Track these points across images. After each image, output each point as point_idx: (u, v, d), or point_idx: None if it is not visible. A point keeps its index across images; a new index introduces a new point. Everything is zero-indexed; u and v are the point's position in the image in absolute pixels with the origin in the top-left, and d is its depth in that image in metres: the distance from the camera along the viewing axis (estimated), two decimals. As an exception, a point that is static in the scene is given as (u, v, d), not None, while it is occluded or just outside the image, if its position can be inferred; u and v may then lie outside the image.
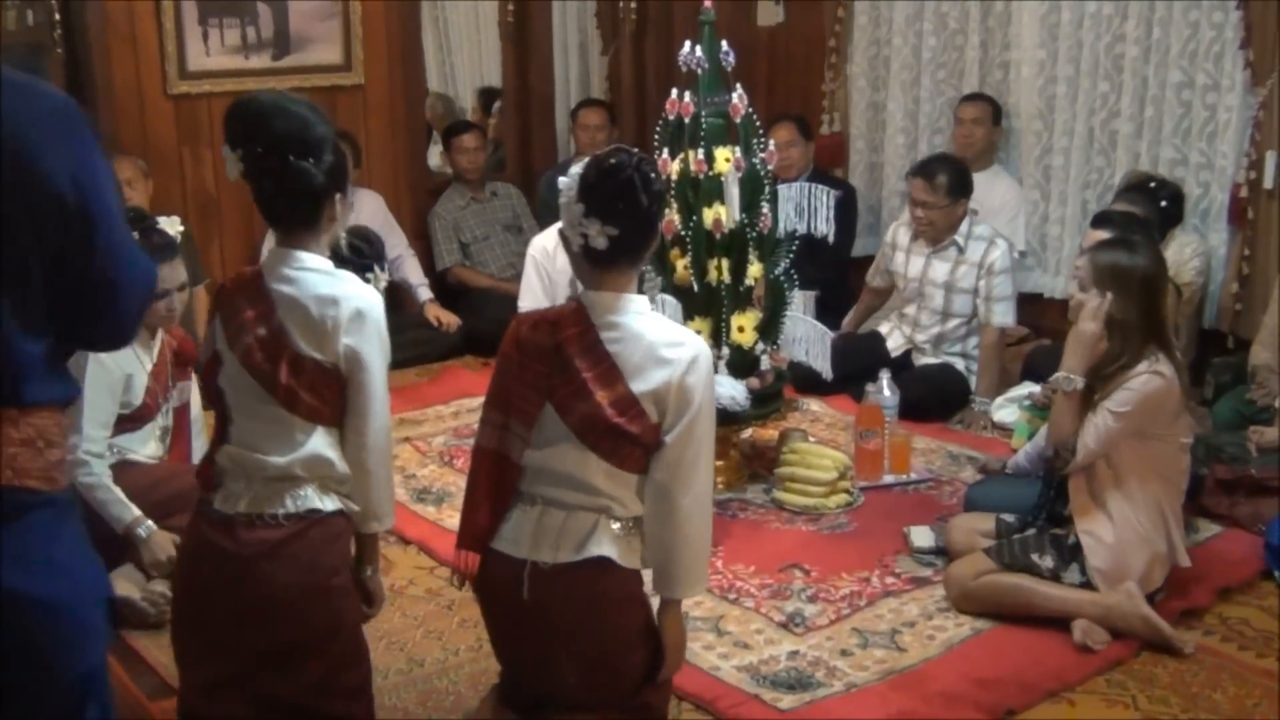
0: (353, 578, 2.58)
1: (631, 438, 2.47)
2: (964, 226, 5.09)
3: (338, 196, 2.53)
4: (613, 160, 2.48)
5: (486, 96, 8.16)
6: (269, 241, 3.05)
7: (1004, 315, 5.03)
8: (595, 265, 2.52)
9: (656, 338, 2.50)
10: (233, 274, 2.62)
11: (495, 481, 2.59)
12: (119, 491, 3.45)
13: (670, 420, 2.48)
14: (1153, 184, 4.78)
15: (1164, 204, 4.70)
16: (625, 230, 2.47)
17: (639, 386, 2.48)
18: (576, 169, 2.52)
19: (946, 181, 5.02)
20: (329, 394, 2.48)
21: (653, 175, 2.50)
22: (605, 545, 2.50)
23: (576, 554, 2.49)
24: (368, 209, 5.90)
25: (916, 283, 5.21)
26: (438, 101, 8.00)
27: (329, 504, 2.51)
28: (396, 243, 6.08)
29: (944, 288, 5.13)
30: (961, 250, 5.08)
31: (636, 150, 2.54)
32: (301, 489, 2.48)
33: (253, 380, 2.48)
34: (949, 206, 5.02)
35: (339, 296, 2.47)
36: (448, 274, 6.35)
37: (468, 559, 2.60)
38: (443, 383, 5.69)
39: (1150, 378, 3.27)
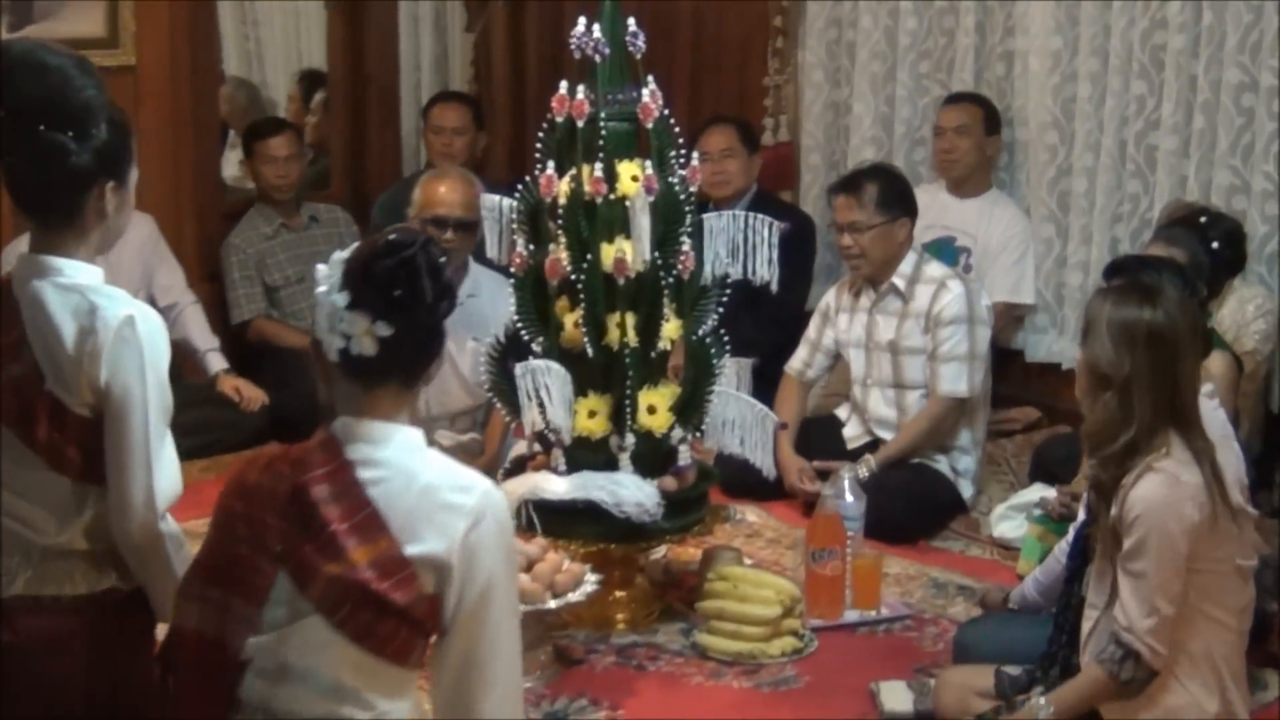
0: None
1: (396, 611, 2.43)
2: (907, 265, 5.18)
3: (110, 185, 2.56)
4: (391, 237, 2.51)
5: (306, 85, 8.11)
6: (18, 245, 3.08)
7: (953, 381, 5.09)
8: (358, 380, 2.52)
9: (435, 479, 2.50)
10: None
11: (201, 683, 2.50)
12: None
13: (454, 598, 2.45)
14: (1203, 219, 4.86)
15: (1216, 245, 4.76)
16: (402, 330, 2.49)
17: (411, 546, 2.45)
18: (339, 254, 2.54)
19: (877, 194, 5.11)
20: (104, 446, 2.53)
21: (441, 262, 2.52)
22: None
23: None
24: (133, 238, 5.79)
25: (861, 350, 5.27)
26: (238, 90, 7.92)
27: (128, 580, 2.57)
28: (172, 286, 5.98)
29: (889, 349, 5.19)
30: (904, 298, 5.16)
31: (422, 232, 2.57)
32: (90, 564, 2.54)
33: (9, 432, 2.52)
34: (883, 227, 5.11)
35: (101, 312, 2.50)
36: (248, 329, 6.26)
37: None
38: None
39: (1152, 482, 3.25)
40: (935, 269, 5.20)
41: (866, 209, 5.09)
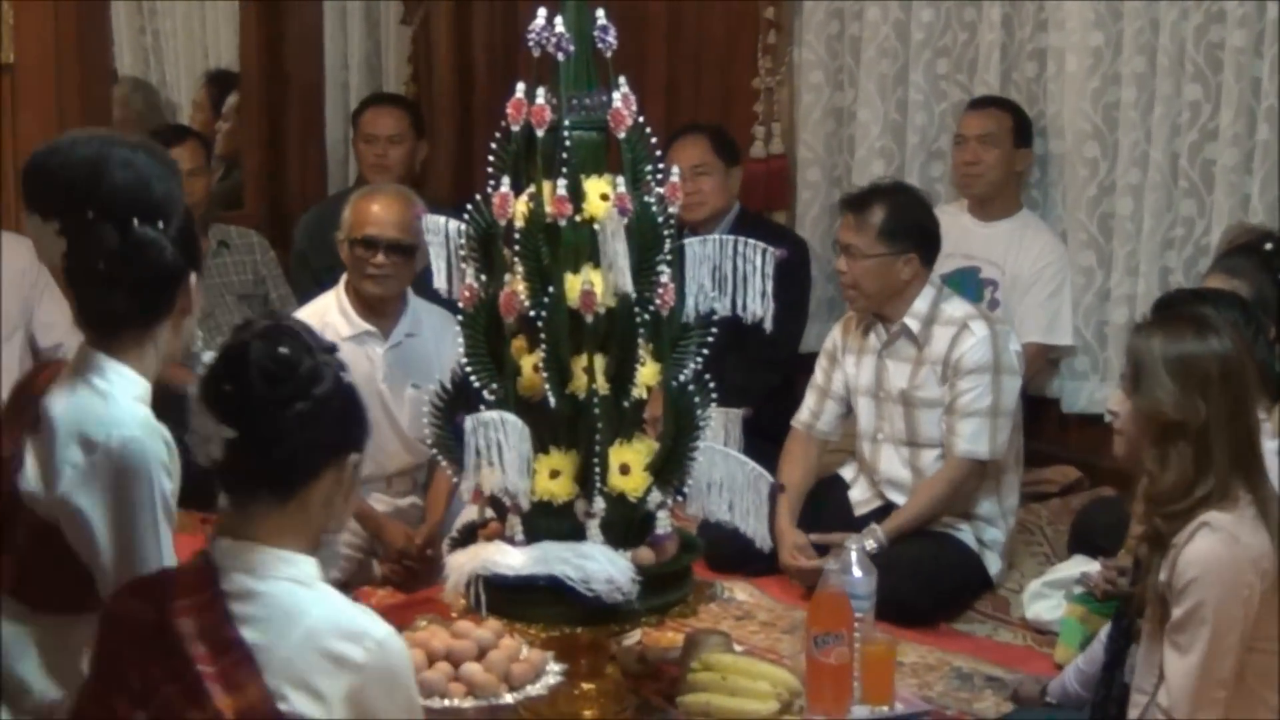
0: None
1: None
2: (923, 303, 5.21)
3: (193, 277, 2.79)
4: (239, 322, 2.67)
5: (215, 89, 8.13)
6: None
7: (972, 440, 5.12)
8: (227, 492, 2.61)
9: (320, 623, 2.53)
10: None
11: None
12: None
13: None
14: (1268, 245, 4.87)
15: None
16: (246, 435, 2.55)
17: (285, 701, 2.49)
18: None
19: (884, 220, 5.15)
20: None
21: (284, 352, 2.58)
22: None
23: None
24: (10, 268, 5.80)
25: (870, 399, 5.29)
26: (133, 93, 7.95)
27: None
28: (55, 325, 5.96)
29: (901, 401, 5.22)
30: (918, 342, 5.19)
31: (295, 322, 2.69)
32: None
33: None
34: (882, 259, 5.15)
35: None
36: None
37: None
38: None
39: (1208, 542, 3.26)
40: (956, 307, 5.23)
41: (867, 234, 5.13)
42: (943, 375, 5.16)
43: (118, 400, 2.75)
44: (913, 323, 5.20)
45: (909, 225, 5.19)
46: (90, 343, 2.79)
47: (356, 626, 2.56)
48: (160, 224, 2.70)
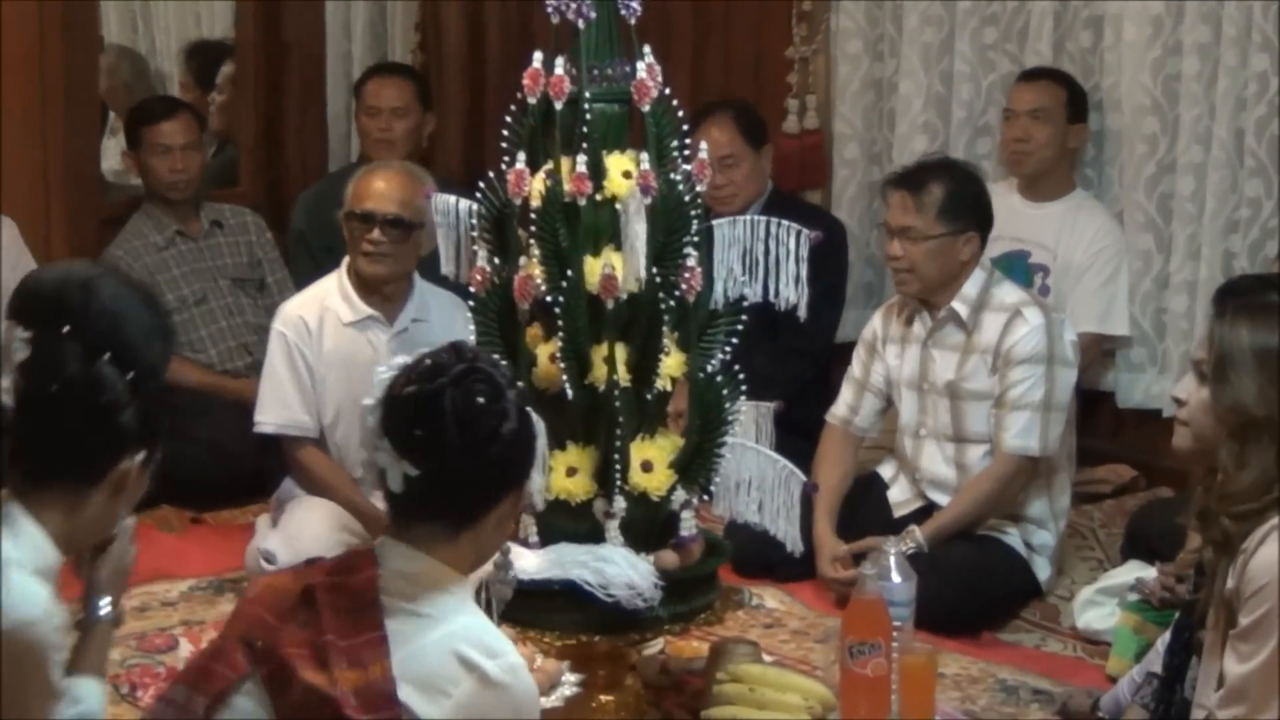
0: None
1: None
2: (973, 288, 5.24)
3: (138, 459, 2.76)
4: (430, 362, 2.74)
5: (197, 63, 8.14)
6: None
7: (1023, 435, 5.14)
8: (396, 512, 2.77)
9: (461, 630, 2.68)
10: None
11: None
12: None
13: None
14: None
15: None
16: (431, 474, 2.71)
17: (406, 688, 2.61)
18: (401, 358, 2.77)
19: (944, 198, 5.17)
20: None
21: (481, 401, 2.72)
22: None
23: None
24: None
25: (913, 391, 5.33)
26: (120, 61, 7.96)
27: None
28: None
29: (947, 393, 5.25)
30: (967, 328, 5.22)
31: (482, 355, 2.83)
32: None
33: None
34: (943, 240, 5.18)
35: None
36: (133, 362, 6.30)
37: None
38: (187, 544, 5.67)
39: (1277, 548, 3.28)
40: (1008, 293, 5.26)
41: (927, 214, 5.16)
42: (993, 366, 5.19)
43: (19, 574, 2.69)
44: (961, 308, 5.22)
45: (970, 202, 5.22)
46: (13, 491, 2.74)
47: (497, 644, 2.69)
48: (128, 375, 2.70)
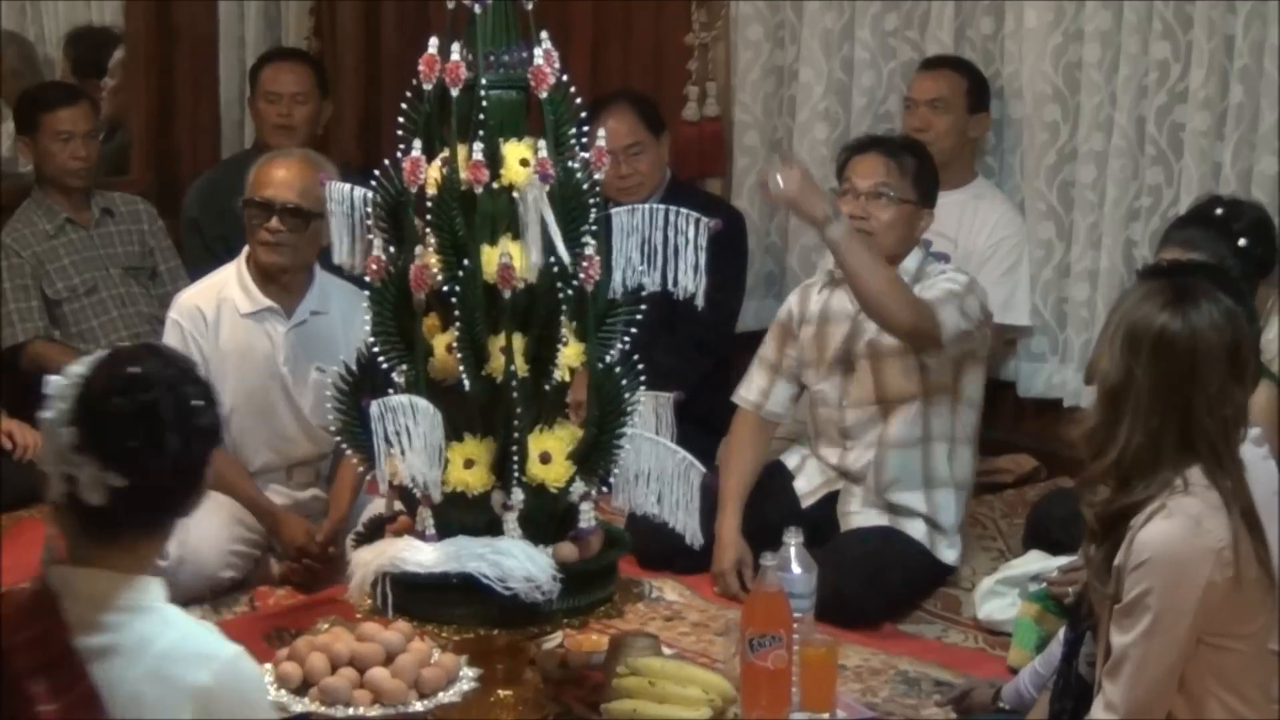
0: None
1: None
2: (912, 262, 5.29)
3: None
4: (132, 368, 2.64)
5: (77, 50, 8.07)
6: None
7: (940, 310, 5.05)
8: (86, 531, 2.63)
9: (170, 647, 2.59)
10: None
11: None
12: None
13: None
14: (1219, 210, 4.84)
15: (1243, 243, 4.77)
16: (138, 484, 2.61)
17: None
18: (79, 366, 2.64)
19: (916, 169, 5.23)
20: None
21: (196, 404, 2.66)
22: None
23: None
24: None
25: (837, 365, 5.33)
26: (8, 48, 7.90)
27: None
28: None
29: (869, 355, 5.26)
30: None
31: (182, 359, 2.74)
32: None
33: None
34: (913, 208, 5.23)
35: None
36: (22, 354, 6.28)
37: None
38: (12, 548, 5.57)
39: (1168, 525, 3.31)
40: (939, 271, 5.30)
41: (905, 179, 5.19)
42: None
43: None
44: (903, 278, 5.20)
45: (932, 179, 5.28)
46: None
47: (204, 649, 2.62)
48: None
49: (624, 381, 4.22)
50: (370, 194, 4.20)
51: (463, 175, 4.09)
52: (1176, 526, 3.31)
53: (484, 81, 4.10)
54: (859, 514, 5.31)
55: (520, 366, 4.10)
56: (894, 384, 5.25)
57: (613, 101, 6.23)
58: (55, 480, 2.62)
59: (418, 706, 3.82)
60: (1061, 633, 3.93)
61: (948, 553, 5.31)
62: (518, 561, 4.05)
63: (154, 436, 2.61)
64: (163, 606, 2.67)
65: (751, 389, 5.51)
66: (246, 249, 5.34)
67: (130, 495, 2.61)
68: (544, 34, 4.13)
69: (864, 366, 5.28)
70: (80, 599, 2.60)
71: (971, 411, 5.33)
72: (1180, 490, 3.33)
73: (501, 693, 4.26)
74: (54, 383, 2.68)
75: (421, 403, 4.07)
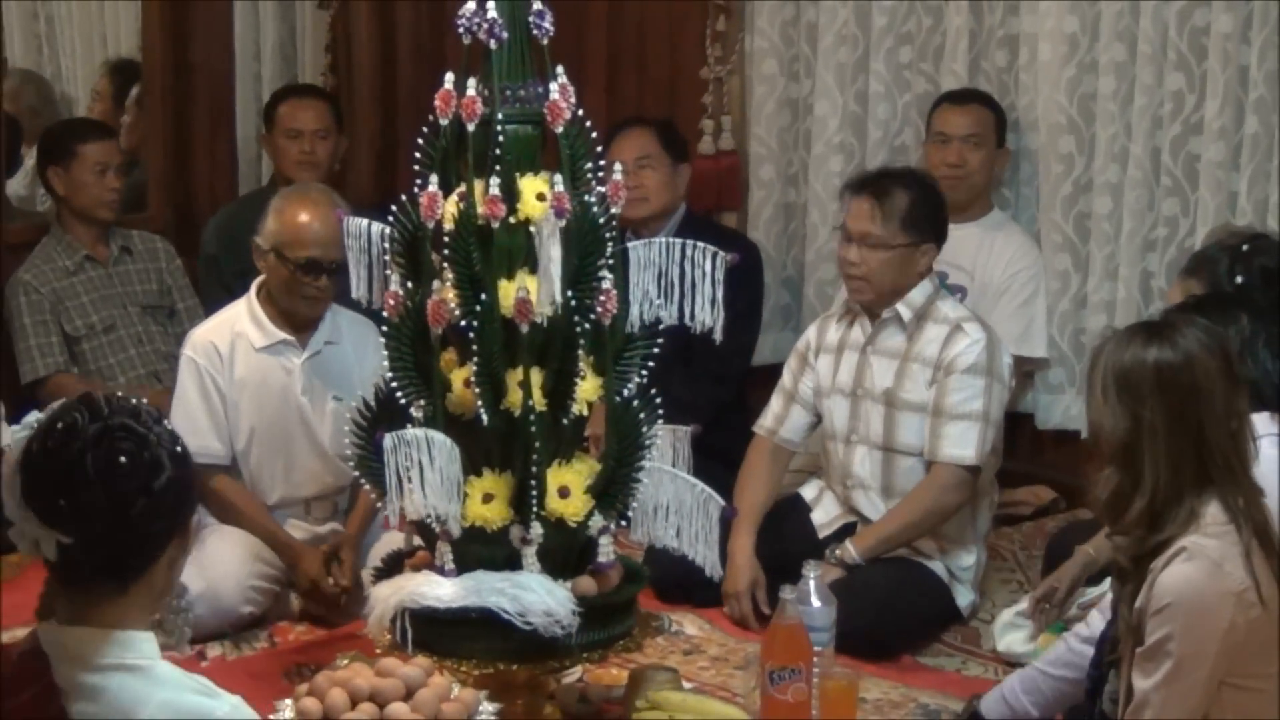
0: None
1: None
2: (919, 294, 5.26)
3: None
4: (62, 423, 2.59)
5: (120, 76, 8.08)
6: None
7: (960, 444, 5.13)
8: (63, 586, 2.63)
9: (161, 712, 2.57)
10: None
11: None
12: None
13: None
14: (1245, 246, 4.79)
15: (1240, 280, 4.69)
16: (83, 541, 2.57)
17: None
18: (37, 416, 2.62)
19: (907, 207, 5.18)
20: None
21: (124, 460, 2.59)
22: None
23: None
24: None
25: (846, 399, 5.31)
26: (25, 86, 7.91)
27: None
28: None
29: (883, 400, 5.25)
30: (908, 334, 5.23)
31: (118, 404, 2.63)
32: None
33: None
34: (903, 251, 5.19)
35: None
36: (42, 389, 6.25)
37: None
38: (25, 588, 5.54)
39: (1187, 569, 3.30)
40: (951, 308, 5.28)
41: (890, 223, 5.16)
42: (931, 378, 5.18)
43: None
44: (905, 311, 5.21)
45: (931, 214, 5.24)
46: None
47: (197, 711, 2.59)
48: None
49: (642, 415, 4.22)
50: (387, 229, 4.21)
51: (479, 210, 4.09)
52: (1197, 570, 3.30)
53: (500, 116, 4.11)
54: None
55: (538, 401, 4.10)
56: (905, 435, 5.25)
57: (635, 121, 6.29)
58: (16, 533, 2.61)
59: (437, 741, 3.82)
60: (1062, 635, 3.94)
61: (963, 597, 5.31)
62: (537, 596, 4.05)
63: (77, 498, 2.56)
64: (152, 664, 2.63)
65: (767, 415, 5.52)
66: (257, 282, 5.34)
67: (80, 552, 2.57)
68: (559, 69, 4.14)
69: (875, 409, 5.28)
70: (67, 659, 2.58)
71: (991, 460, 5.31)
72: (1200, 530, 3.32)
73: (520, 727, 4.26)
74: (12, 431, 2.65)
75: (438, 437, 4.07)
